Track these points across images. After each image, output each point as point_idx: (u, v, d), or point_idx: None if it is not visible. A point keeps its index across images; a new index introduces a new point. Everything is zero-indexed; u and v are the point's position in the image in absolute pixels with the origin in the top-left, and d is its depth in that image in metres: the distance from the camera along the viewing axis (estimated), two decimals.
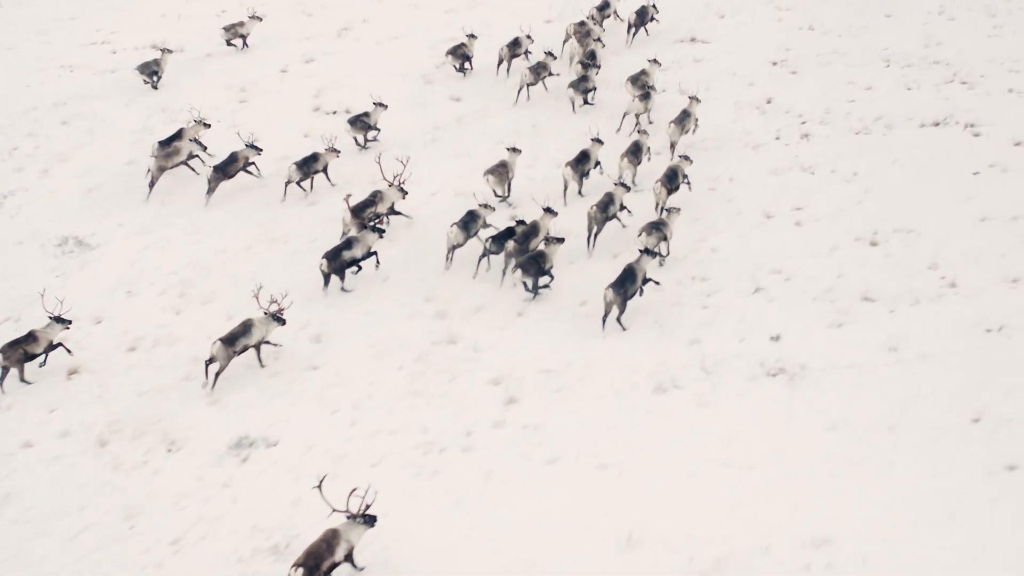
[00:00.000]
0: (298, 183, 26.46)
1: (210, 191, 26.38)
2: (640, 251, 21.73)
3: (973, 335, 20.15)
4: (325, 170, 26.78)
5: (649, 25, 33.35)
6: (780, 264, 22.53)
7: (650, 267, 22.13)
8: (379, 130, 28.48)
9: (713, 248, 23.29)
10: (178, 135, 27.68)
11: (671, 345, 20.58)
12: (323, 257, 22.98)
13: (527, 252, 22.88)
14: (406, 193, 25.13)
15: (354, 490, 16.81)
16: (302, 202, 26.16)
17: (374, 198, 25.05)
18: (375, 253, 23.44)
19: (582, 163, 25.60)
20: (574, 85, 29.30)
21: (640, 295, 21.65)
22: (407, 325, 21.67)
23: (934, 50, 30.71)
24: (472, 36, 31.88)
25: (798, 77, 29.95)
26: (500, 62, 31.65)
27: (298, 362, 20.78)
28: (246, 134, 28.06)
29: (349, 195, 24.76)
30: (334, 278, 22.99)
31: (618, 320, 21.26)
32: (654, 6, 33.90)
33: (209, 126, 27.87)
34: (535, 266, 22.32)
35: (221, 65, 32.56)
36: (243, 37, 33.97)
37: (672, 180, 24.56)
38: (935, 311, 20.89)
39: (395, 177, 25.18)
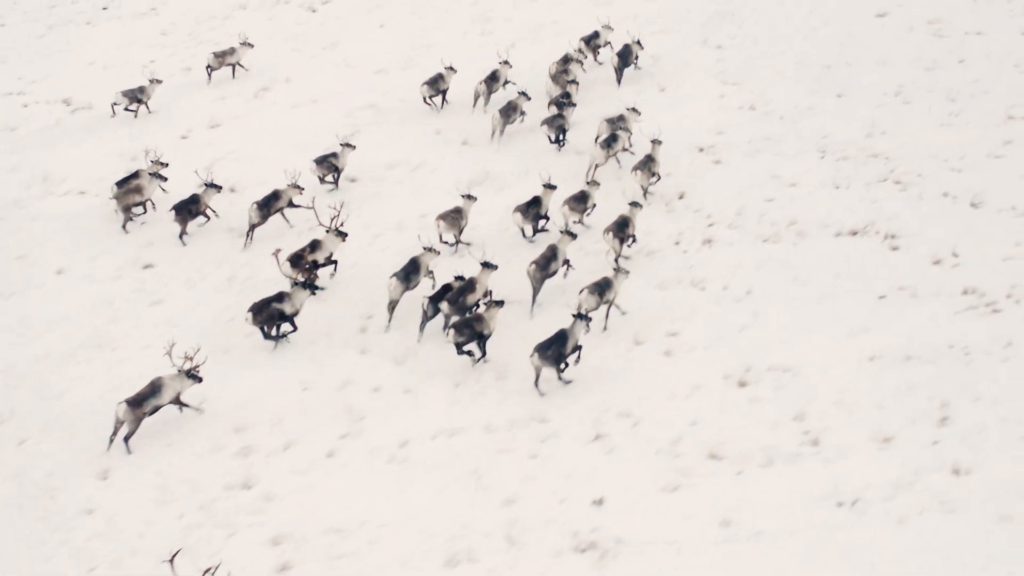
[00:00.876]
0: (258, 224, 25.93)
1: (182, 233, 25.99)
2: (573, 315, 20.98)
3: (820, 510, 17.93)
4: (290, 205, 26.19)
5: (637, 62, 32.84)
6: (631, 405, 20.38)
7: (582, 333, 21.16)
8: (340, 171, 27.95)
9: (563, 381, 21.01)
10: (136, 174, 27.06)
11: (483, 503, 18.55)
12: (248, 309, 22.14)
13: (464, 310, 22.22)
14: (345, 236, 24.41)
15: None
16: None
17: (313, 247, 23.95)
18: (290, 319, 22.56)
19: (533, 207, 25.21)
20: (548, 122, 28.91)
21: (576, 363, 20.98)
22: (205, 462, 19.65)
23: (876, 140, 28.29)
24: (451, 68, 31.46)
25: (721, 168, 27.68)
26: (476, 98, 31.15)
27: (75, 499, 18.90)
28: (204, 173, 27.25)
29: (279, 250, 23.67)
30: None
31: (559, 378, 20.93)
32: (638, 42, 32.91)
33: (166, 165, 27.29)
34: (470, 330, 21.35)
35: (121, 128, 30.54)
36: (233, 67, 33.68)
37: (623, 228, 24.05)
38: (786, 476, 18.68)
39: (331, 221, 24.43)
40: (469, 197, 25.52)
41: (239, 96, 32.69)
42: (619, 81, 32.10)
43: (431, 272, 23.53)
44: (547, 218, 25.44)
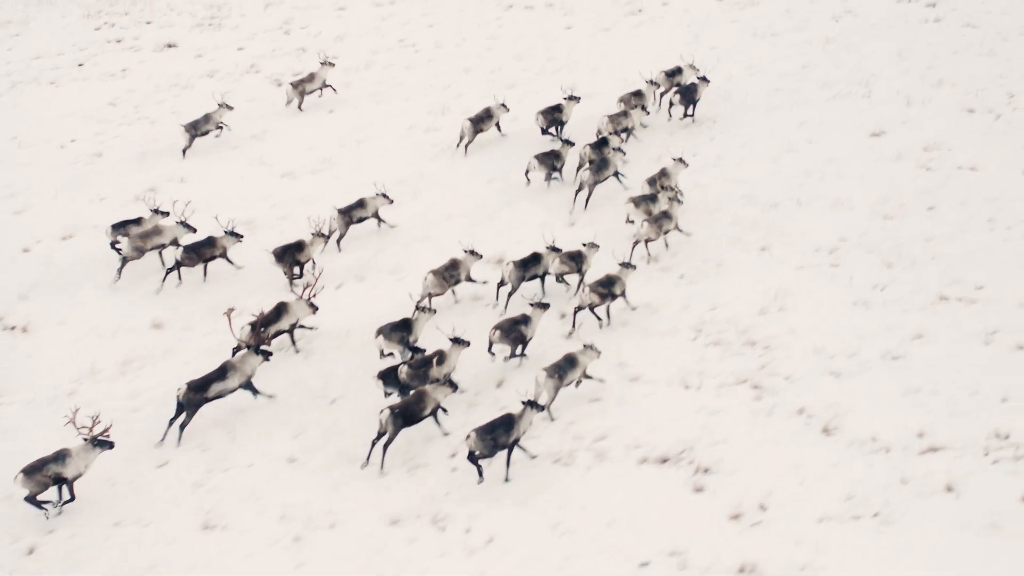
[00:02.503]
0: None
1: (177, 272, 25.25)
2: (524, 403, 20.00)
3: None
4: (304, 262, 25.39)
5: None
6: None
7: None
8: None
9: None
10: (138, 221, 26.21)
11: None
12: (186, 384, 20.77)
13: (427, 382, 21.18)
14: (316, 309, 23.19)
15: None
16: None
17: (279, 312, 22.65)
18: (251, 387, 21.36)
19: (530, 266, 24.32)
20: (540, 157, 28.15)
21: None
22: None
23: None
24: (503, 106, 30.51)
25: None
26: (461, 138, 30.01)
27: None
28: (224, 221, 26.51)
29: (231, 309, 22.53)
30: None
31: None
32: (704, 78, 31.27)
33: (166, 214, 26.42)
34: (406, 414, 20.25)
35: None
36: (320, 89, 33.39)
37: (608, 286, 23.36)
38: None
39: (305, 289, 23.28)
40: (472, 253, 24.45)
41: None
42: (687, 116, 31.02)
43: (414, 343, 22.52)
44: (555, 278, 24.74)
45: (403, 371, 21.16)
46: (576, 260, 24.56)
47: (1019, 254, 24.39)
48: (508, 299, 24.11)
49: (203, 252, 25.46)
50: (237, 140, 31.47)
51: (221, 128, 31.29)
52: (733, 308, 23.52)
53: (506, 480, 19.60)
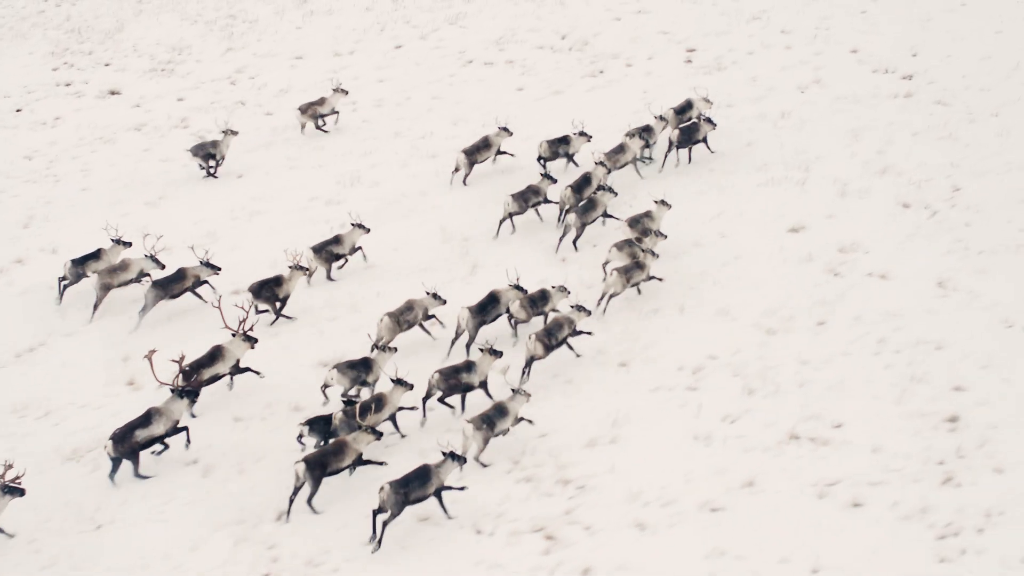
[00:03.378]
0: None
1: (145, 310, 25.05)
2: (444, 453, 19.82)
3: None
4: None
5: (704, 142, 30.73)
6: None
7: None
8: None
9: None
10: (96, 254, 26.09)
11: None
12: (109, 438, 20.37)
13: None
14: (254, 342, 22.64)
15: None
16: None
17: (213, 356, 21.98)
18: (184, 428, 20.97)
19: (486, 311, 23.80)
20: (515, 196, 27.79)
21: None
22: None
23: None
24: (505, 129, 30.24)
25: None
26: (456, 170, 29.82)
27: None
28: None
29: (152, 351, 21.80)
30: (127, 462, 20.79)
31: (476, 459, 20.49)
32: (708, 120, 30.45)
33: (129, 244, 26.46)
34: (323, 464, 19.78)
35: None
36: (323, 116, 33.36)
37: (552, 335, 23.02)
38: None
39: (240, 324, 22.67)
40: (435, 297, 23.92)
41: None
42: (662, 166, 30.42)
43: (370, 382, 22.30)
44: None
45: (337, 417, 20.59)
46: (538, 304, 23.99)
47: (894, 386, 21.99)
48: (468, 349, 23.71)
49: (172, 288, 25.23)
50: (130, 205, 30.10)
51: (223, 157, 31.30)
52: (562, 437, 21.63)
53: (448, 516, 19.67)
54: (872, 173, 29.26)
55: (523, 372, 22.85)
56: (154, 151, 33.13)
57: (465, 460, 19.67)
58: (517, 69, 37.13)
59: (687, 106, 31.31)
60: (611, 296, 24.72)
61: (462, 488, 19.83)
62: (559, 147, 30.00)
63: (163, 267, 25.83)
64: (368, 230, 26.73)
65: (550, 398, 22.72)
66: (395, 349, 22.60)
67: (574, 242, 27.00)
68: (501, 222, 27.75)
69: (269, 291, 24.80)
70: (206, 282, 25.71)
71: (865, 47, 36.39)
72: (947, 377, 21.99)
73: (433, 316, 24.25)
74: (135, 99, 36.69)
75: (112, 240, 26.25)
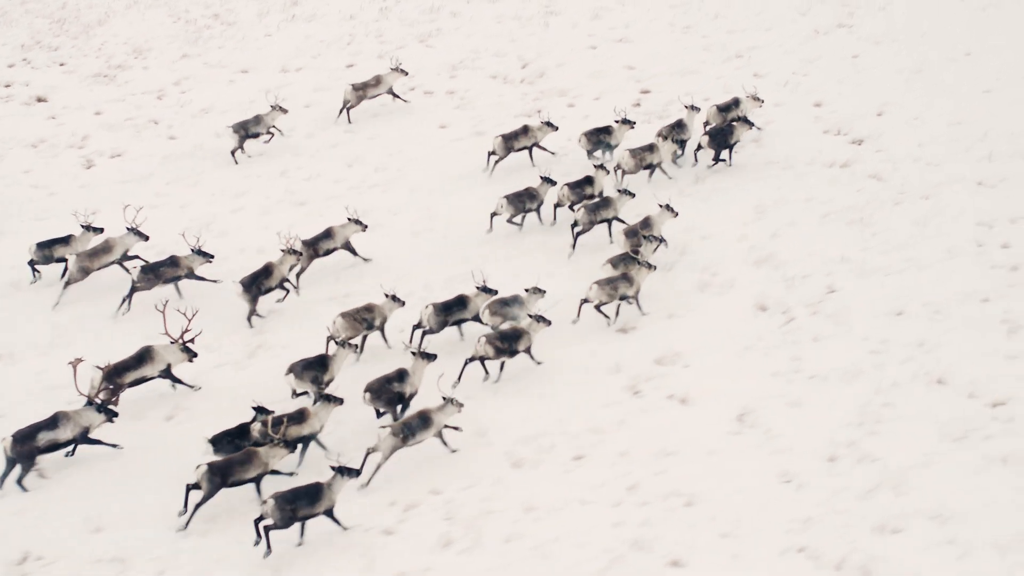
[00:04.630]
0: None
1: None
2: (334, 468, 19.28)
3: None
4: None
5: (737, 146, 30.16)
6: None
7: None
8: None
9: None
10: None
11: None
12: (11, 436, 20.07)
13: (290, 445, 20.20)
14: (194, 356, 22.34)
15: None
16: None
17: (141, 359, 21.72)
18: (92, 441, 20.58)
19: (451, 312, 23.64)
20: (510, 197, 27.57)
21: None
22: None
23: None
24: (549, 124, 30.12)
25: None
26: (491, 155, 29.87)
27: None
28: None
29: (79, 359, 21.43)
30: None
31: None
32: (744, 119, 30.00)
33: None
34: (225, 473, 19.55)
35: None
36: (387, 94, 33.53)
37: (505, 340, 22.70)
38: None
39: (182, 334, 22.23)
40: (394, 299, 23.50)
41: None
42: (716, 161, 29.83)
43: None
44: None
45: (255, 429, 20.06)
46: (508, 308, 23.45)
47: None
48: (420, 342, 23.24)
49: (163, 273, 24.94)
50: None
51: (272, 133, 31.44)
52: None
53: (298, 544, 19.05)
54: (750, 263, 26.35)
55: (459, 373, 22.73)
56: (35, 174, 31.71)
57: (358, 473, 19.15)
58: (454, 102, 35.00)
59: (732, 104, 30.43)
60: (596, 307, 24.13)
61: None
62: (600, 136, 29.74)
63: (146, 238, 25.73)
64: (365, 227, 26.46)
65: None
66: (356, 347, 22.35)
67: (576, 236, 26.88)
68: (492, 216, 27.63)
69: (259, 285, 24.58)
70: (203, 278, 25.69)
71: (831, 101, 33.36)
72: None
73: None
74: (55, 110, 35.53)
75: (82, 227, 25.88)
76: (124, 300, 25.05)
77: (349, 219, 26.40)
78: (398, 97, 33.71)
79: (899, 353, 23.03)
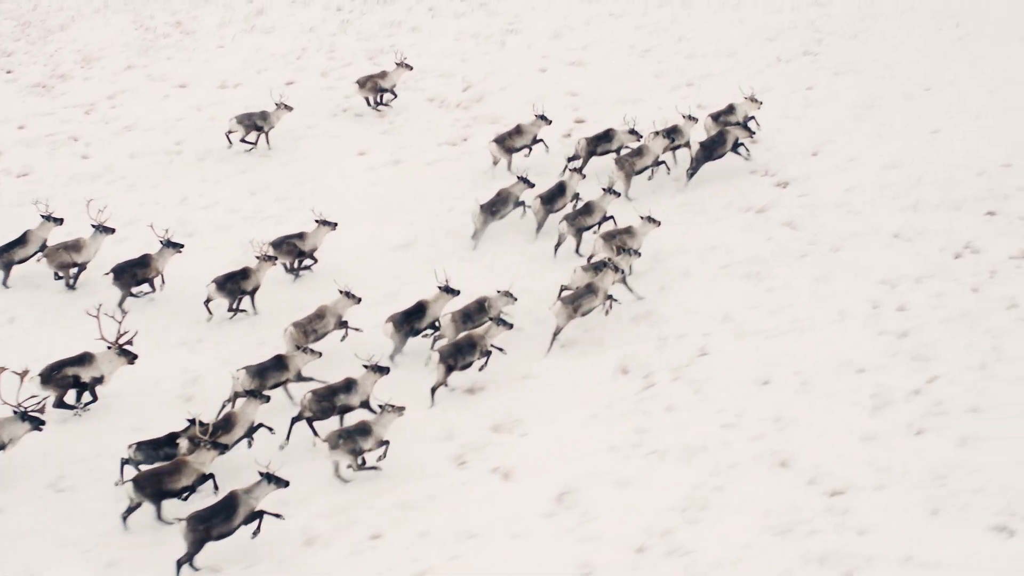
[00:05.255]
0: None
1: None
2: (262, 473, 19.20)
3: None
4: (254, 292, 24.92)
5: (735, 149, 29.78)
6: None
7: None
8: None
9: None
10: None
11: None
12: None
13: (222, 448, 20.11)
14: (133, 358, 22.16)
15: None
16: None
17: (82, 360, 21.91)
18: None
19: (412, 320, 23.62)
20: (484, 206, 27.50)
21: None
22: None
23: None
24: (543, 118, 30.27)
25: None
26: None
27: None
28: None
29: (25, 371, 21.29)
30: None
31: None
32: (743, 125, 29.83)
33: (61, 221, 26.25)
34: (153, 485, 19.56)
35: None
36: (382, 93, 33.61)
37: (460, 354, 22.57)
38: None
39: (118, 337, 22.14)
40: (348, 295, 23.39)
41: None
42: (690, 176, 29.48)
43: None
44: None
45: (185, 441, 19.98)
46: (474, 317, 23.44)
47: None
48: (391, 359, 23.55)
49: (136, 272, 25.17)
50: None
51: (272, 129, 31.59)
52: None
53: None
54: (626, 319, 25.47)
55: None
56: None
57: (287, 483, 18.88)
58: (383, 125, 33.89)
59: (728, 111, 30.08)
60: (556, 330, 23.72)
61: (278, 516, 19.34)
62: (601, 142, 29.60)
63: (112, 231, 26.01)
64: (334, 226, 26.42)
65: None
66: (317, 352, 22.23)
67: (556, 247, 26.96)
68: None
69: (234, 284, 24.72)
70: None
71: (769, 138, 31.94)
72: None
73: (346, 323, 23.83)
74: None
75: (42, 216, 25.93)
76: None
77: (317, 221, 26.35)
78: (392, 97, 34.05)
79: (751, 429, 21.50)
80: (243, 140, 31.43)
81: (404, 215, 28.90)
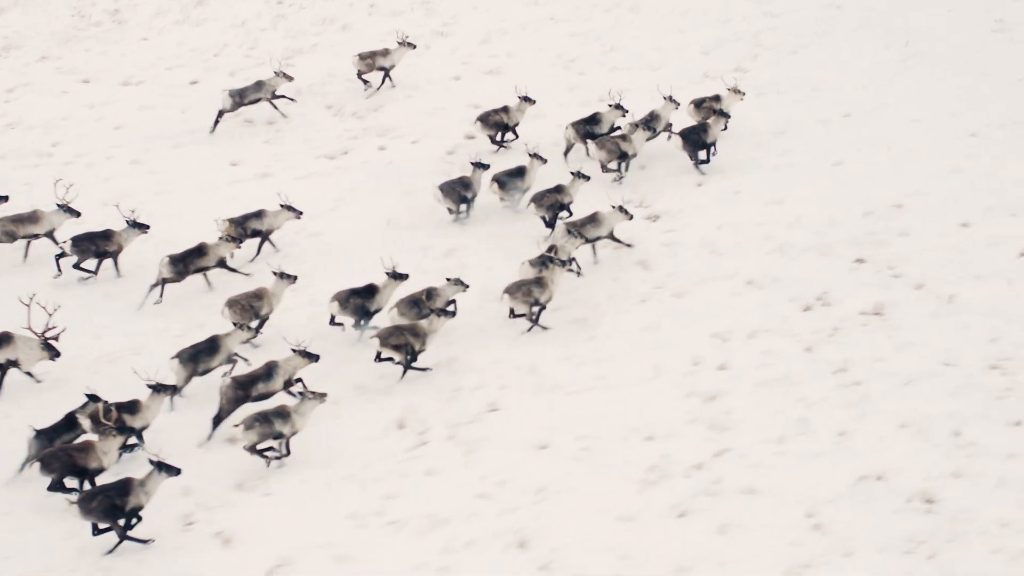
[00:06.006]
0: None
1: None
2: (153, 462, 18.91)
3: None
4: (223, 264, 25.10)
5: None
6: None
7: None
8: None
9: None
10: None
11: None
12: None
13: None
14: (56, 355, 21.94)
15: None
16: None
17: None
18: None
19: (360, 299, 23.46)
20: (445, 187, 27.28)
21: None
22: None
23: None
24: (527, 99, 30.03)
25: None
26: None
27: None
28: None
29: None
30: None
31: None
32: (720, 112, 29.29)
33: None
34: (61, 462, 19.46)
35: None
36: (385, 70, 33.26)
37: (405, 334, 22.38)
38: None
39: (44, 329, 21.85)
40: (283, 276, 23.21)
41: None
42: (695, 162, 29.00)
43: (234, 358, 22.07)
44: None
45: (85, 418, 19.80)
46: (420, 306, 23.06)
47: None
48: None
49: (98, 244, 25.01)
50: None
51: (274, 98, 31.61)
52: None
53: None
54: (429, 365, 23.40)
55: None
56: None
57: (179, 471, 18.68)
58: (268, 133, 32.61)
59: (713, 100, 29.84)
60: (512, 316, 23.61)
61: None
62: (588, 127, 29.11)
63: (78, 215, 25.81)
64: (299, 214, 26.33)
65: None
66: (252, 329, 22.18)
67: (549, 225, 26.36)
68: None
69: (190, 264, 24.61)
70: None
71: (658, 163, 29.85)
72: None
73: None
74: None
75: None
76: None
77: (282, 205, 26.16)
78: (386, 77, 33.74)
79: (506, 501, 19.96)
80: (219, 114, 31.41)
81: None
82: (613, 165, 28.31)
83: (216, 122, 31.33)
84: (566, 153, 29.35)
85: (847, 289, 24.80)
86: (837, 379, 22.27)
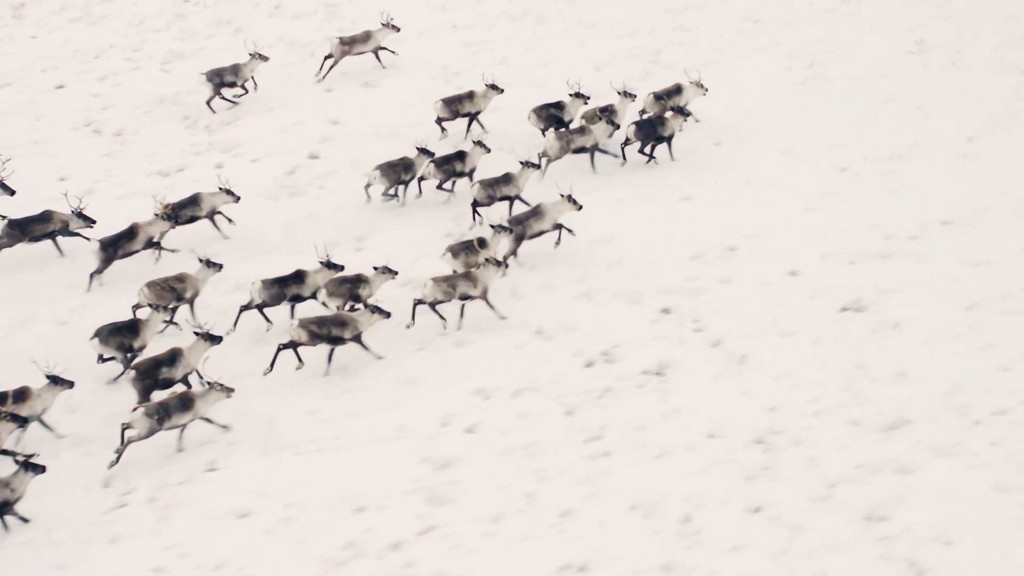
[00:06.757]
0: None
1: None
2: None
3: None
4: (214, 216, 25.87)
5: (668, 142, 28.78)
6: None
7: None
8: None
9: None
10: None
11: None
12: None
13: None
14: None
15: None
16: None
17: None
18: None
19: (288, 286, 23.30)
20: (383, 168, 27.27)
21: None
22: None
23: None
24: (494, 87, 29.82)
25: None
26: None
27: None
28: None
29: None
30: None
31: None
32: (679, 109, 28.96)
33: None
34: None
35: None
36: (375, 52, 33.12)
37: (324, 326, 22.32)
38: None
39: None
40: (209, 264, 23.09)
41: None
42: (646, 155, 28.78)
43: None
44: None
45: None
46: (349, 287, 22.75)
47: None
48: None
49: (33, 228, 24.93)
50: None
51: (246, 90, 31.22)
52: None
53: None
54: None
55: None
56: None
57: (43, 469, 18.75)
58: (112, 145, 31.40)
59: (674, 91, 29.21)
60: (431, 304, 23.12)
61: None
62: (551, 110, 28.90)
63: (13, 193, 25.75)
64: (237, 198, 26.12)
65: None
66: (168, 309, 22.23)
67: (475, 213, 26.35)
68: (367, 188, 27.17)
69: (120, 248, 24.40)
70: (77, 234, 25.38)
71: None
72: None
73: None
74: None
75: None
76: None
77: (220, 188, 25.99)
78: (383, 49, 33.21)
79: None
80: (212, 99, 30.96)
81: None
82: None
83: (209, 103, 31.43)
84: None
85: (640, 344, 23.05)
86: (586, 449, 20.53)
